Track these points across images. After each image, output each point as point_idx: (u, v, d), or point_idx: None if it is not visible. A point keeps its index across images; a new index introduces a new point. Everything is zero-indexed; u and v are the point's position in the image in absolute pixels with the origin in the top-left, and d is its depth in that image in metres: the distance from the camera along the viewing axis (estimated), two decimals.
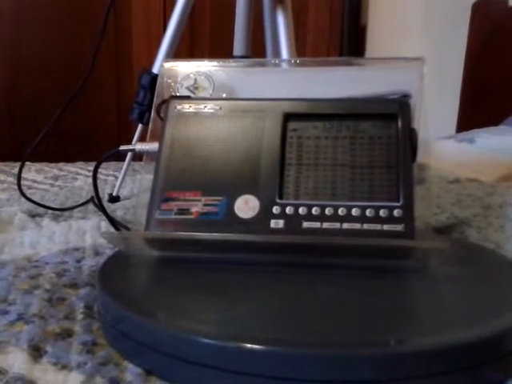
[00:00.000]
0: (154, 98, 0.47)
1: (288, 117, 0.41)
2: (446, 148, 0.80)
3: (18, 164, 0.89)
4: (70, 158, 1.35)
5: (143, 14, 1.41)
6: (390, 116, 0.39)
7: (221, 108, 0.42)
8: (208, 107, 0.42)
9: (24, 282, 0.39)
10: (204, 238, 0.37)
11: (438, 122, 1.38)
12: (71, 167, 0.89)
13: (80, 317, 0.35)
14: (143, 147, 0.44)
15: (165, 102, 0.44)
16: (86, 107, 1.40)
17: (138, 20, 1.42)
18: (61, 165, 0.91)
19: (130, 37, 1.42)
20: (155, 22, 1.41)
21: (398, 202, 0.37)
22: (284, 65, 0.51)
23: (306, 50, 1.63)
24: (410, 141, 0.39)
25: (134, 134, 0.70)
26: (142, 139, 0.71)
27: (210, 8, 1.39)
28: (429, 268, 0.36)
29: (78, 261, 0.47)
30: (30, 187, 0.74)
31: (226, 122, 0.41)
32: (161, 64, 0.67)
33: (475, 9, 1.16)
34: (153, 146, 0.43)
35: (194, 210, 0.38)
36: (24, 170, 0.83)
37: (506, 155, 0.74)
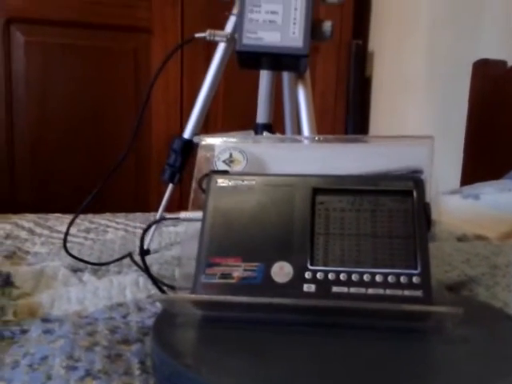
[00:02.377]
0: (195, 173, 0.53)
1: (316, 191, 0.46)
2: (453, 204, 0.86)
3: (50, 216, 0.95)
4: (96, 209, 1.42)
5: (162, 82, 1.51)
6: (407, 192, 0.45)
7: (256, 182, 0.48)
8: (244, 181, 0.48)
9: (84, 340, 0.44)
10: (245, 301, 0.42)
11: (443, 172, 1.45)
12: (100, 219, 0.95)
13: (137, 372, 0.40)
14: (187, 215, 0.50)
15: (206, 176, 0.49)
16: (104, 164, 1.48)
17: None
18: (90, 217, 0.97)
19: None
20: (173, 86, 1.51)
21: (416, 269, 0.42)
22: (308, 141, 0.57)
23: (315, 98, 1.71)
24: (424, 214, 0.45)
25: (164, 194, 0.76)
26: (170, 198, 0.77)
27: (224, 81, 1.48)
28: (444, 329, 0.41)
29: (124, 316, 0.52)
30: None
31: (260, 195, 0.47)
32: (192, 130, 0.74)
33: (475, 67, 1.24)
34: (196, 214, 0.49)
35: (235, 274, 0.44)
36: (57, 223, 0.89)
37: (509, 212, 0.79)
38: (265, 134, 0.73)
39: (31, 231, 0.83)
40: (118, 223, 0.91)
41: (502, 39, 1.23)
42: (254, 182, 0.47)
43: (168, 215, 0.52)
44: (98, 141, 1.50)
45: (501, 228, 0.78)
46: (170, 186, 0.76)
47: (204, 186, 0.50)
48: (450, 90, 1.38)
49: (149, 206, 1.54)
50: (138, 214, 1.01)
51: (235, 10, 0.64)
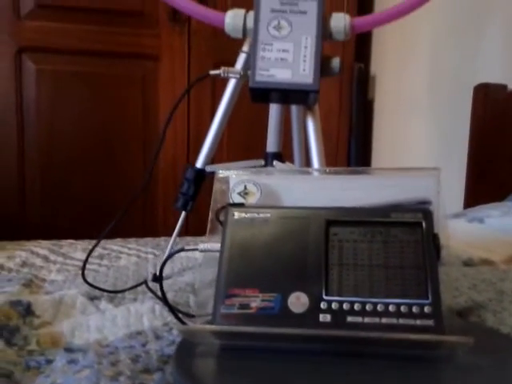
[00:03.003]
0: (211, 204, 0.55)
1: (329, 223, 0.48)
2: (458, 227, 0.88)
3: (63, 242, 0.97)
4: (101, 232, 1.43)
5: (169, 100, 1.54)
6: (416, 224, 0.47)
7: (271, 215, 0.50)
8: (260, 214, 0.50)
9: (108, 369, 0.46)
10: (263, 331, 0.44)
11: (447, 193, 1.47)
12: (112, 245, 0.96)
13: None
14: (206, 247, 0.52)
15: (223, 209, 0.52)
16: (112, 187, 1.51)
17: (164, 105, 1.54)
18: (102, 242, 0.99)
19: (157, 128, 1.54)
20: (180, 115, 1.54)
21: (428, 299, 0.44)
22: (319, 173, 0.60)
23: None
24: (434, 244, 0.47)
25: (177, 221, 0.78)
26: (186, 229, 0.79)
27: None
28: (455, 357, 0.43)
29: (144, 345, 0.53)
30: (80, 268, 0.81)
31: (276, 228, 0.49)
32: (204, 160, 0.76)
33: (476, 91, 1.27)
34: (214, 246, 0.51)
35: (253, 305, 0.46)
36: (71, 250, 0.91)
37: None
38: (275, 163, 0.75)
39: (46, 258, 0.85)
40: (129, 249, 0.93)
41: (503, 63, 1.27)
42: (269, 215, 0.50)
43: (187, 247, 0.54)
44: (106, 164, 1.53)
45: (506, 251, 0.80)
46: (183, 213, 0.78)
47: (221, 218, 0.52)
48: (452, 113, 1.41)
49: (156, 229, 1.56)
50: (149, 239, 1.03)
51: (245, 48, 0.67)
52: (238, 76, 0.63)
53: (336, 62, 0.62)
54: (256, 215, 0.50)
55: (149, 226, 1.58)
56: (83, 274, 0.68)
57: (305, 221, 0.49)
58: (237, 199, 0.54)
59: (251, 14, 0.63)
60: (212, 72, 0.63)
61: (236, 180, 0.56)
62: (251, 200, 0.55)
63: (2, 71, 1.42)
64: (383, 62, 1.80)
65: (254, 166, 0.77)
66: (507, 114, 1.18)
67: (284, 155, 0.79)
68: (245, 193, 0.55)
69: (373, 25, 0.63)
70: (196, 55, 1.52)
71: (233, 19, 0.63)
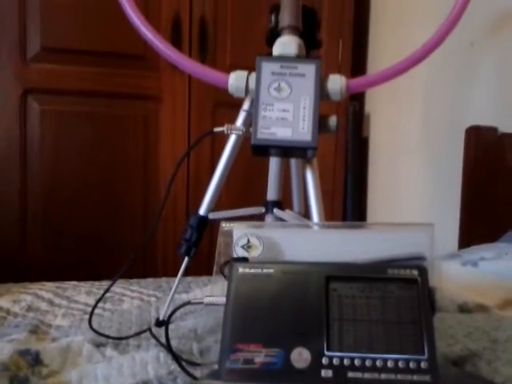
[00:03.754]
0: (216, 257, 0.57)
1: (329, 279, 0.51)
2: (453, 271, 0.90)
3: (67, 285, 0.99)
4: (106, 269, 1.46)
5: (170, 139, 1.58)
6: (412, 280, 0.50)
7: (274, 270, 0.52)
8: (264, 270, 0.53)
9: None
10: None
11: (441, 231, 1.50)
12: (115, 286, 0.98)
13: None
14: (211, 300, 0.54)
15: (228, 263, 0.54)
16: (113, 226, 1.54)
17: (165, 144, 1.58)
18: (104, 284, 1.01)
19: (157, 163, 1.58)
20: (180, 151, 1.59)
21: (424, 354, 0.46)
22: (319, 227, 0.63)
23: None
24: (429, 300, 0.50)
25: (180, 266, 0.81)
26: (186, 270, 0.81)
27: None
28: None
29: None
30: (85, 312, 0.83)
31: (278, 283, 0.51)
32: (206, 208, 0.79)
33: (468, 133, 1.31)
34: (219, 299, 0.53)
35: (257, 360, 0.48)
36: (75, 293, 0.93)
37: (507, 280, 0.84)
38: (275, 210, 0.78)
39: (51, 302, 0.87)
40: (132, 291, 0.95)
41: (493, 106, 1.31)
42: (272, 271, 0.52)
43: (193, 300, 0.56)
44: (107, 202, 1.55)
45: (500, 296, 0.82)
46: (186, 259, 0.80)
47: (226, 272, 0.54)
48: (445, 153, 1.45)
49: (156, 269, 1.58)
50: (150, 281, 1.04)
51: (245, 106, 0.71)
52: (240, 133, 0.66)
53: (333, 121, 0.66)
54: (259, 271, 0.52)
55: (149, 264, 1.59)
56: (90, 322, 0.70)
57: (306, 276, 0.51)
58: (240, 252, 0.57)
59: (253, 75, 0.67)
60: (216, 129, 0.67)
61: (239, 233, 0.59)
62: (254, 253, 0.57)
63: (8, 112, 1.45)
64: (377, 101, 1.86)
65: (255, 214, 0.80)
66: (498, 156, 1.22)
67: (283, 199, 0.82)
68: (248, 246, 0.58)
69: (366, 86, 0.67)
70: (196, 96, 1.57)
71: (236, 81, 0.67)
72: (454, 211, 1.37)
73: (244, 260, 0.54)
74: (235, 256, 0.57)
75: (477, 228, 1.27)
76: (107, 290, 0.72)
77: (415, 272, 0.50)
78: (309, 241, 0.58)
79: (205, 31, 1.58)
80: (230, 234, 0.59)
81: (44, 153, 1.49)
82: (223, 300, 0.52)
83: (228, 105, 1.59)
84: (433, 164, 1.51)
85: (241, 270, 0.53)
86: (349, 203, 1.80)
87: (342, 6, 1.74)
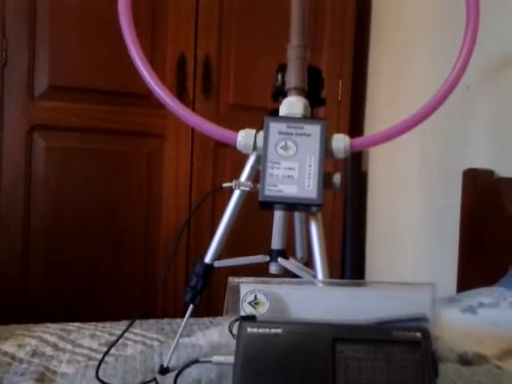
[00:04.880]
0: (223, 313, 0.59)
1: (336, 340, 0.52)
2: (452, 318, 0.92)
3: (71, 327, 1.00)
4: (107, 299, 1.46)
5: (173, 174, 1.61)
6: (416, 343, 0.51)
7: (281, 330, 0.54)
8: (271, 330, 0.54)
9: None
10: None
11: (440, 270, 1.52)
12: (118, 329, 0.99)
13: None
14: (220, 360, 0.55)
15: (236, 321, 0.56)
16: (115, 261, 1.55)
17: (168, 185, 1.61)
18: (108, 326, 1.01)
19: (160, 204, 1.60)
20: (183, 181, 1.61)
21: None
22: (324, 284, 0.64)
23: None
24: (432, 362, 0.51)
25: (185, 312, 0.82)
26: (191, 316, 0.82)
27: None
28: None
29: None
30: (89, 357, 0.84)
31: (287, 344, 0.53)
32: (212, 256, 0.81)
33: (465, 176, 1.34)
34: (227, 359, 0.55)
35: None
36: (79, 336, 0.94)
37: (506, 329, 0.85)
38: (279, 259, 0.80)
39: (56, 346, 0.88)
40: (135, 334, 0.96)
41: (489, 149, 1.35)
42: (279, 331, 0.54)
43: (202, 359, 0.57)
44: (110, 238, 1.57)
45: (499, 345, 0.84)
46: (191, 306, 0.81)
47: (234, 330, 0.56)
48: (443, 194, 1.48)
49: (155, 303, 1.58)
50: (152, 323, 1.05)
51: (251, 161, 0.73)
52: (248, 189, 0.69)
53: (337, 178, 0.69)
54: (267, 331, 0.54)
55: (150, 290, 1.60)
56: (97, 374, 0.71)
57: (313, 338, 0.53)
58: (248, 309, 0.59)
59: (261, 133, 0.69)
60: (225, 185, 0.69)
61: (246, 290, 0.60)
62: (261, 310, 0.59)
63: (14, 147, 1.48)
64: None
65: (260, 262, 0.81)
66: (495, 200, 1.24)
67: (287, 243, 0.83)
68: (255, 302, 0.59)
69: (369, 145, 0.70)
70: (199, 134, 1.60)
71: (244, 138, 0.70)
72: (452, 250, 1.39)
73: (252, 319, 0.56)
74: (243, 313, 0.58)
75: (475, 269, 1.29)
76: (117, 340, 0.72)
77: (419, 335, 0.52)
78: (314, 298, 0.60)
79: (209, 70, 1.62)
80: (237, 289, 0.61)
81: (48, 188, 1.51)
82: (231, 359, 0.53)
83: (229, 147, 1.64)
84: (431, 203, 1.53)
85: (249, 329, 0.54)
86: (348, 237, 1.82)
87: (342, 46, 1.79)
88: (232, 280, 0.61)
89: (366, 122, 1.95)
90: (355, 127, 1.92)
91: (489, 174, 1.29)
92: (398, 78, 1.77)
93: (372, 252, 1.88)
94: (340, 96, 1.81)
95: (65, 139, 1.52)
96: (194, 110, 1.60)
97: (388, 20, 1.83)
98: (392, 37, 1.80)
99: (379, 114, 1.87)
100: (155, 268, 1.59)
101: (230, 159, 1.63)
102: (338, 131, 1.83)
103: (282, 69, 0.73)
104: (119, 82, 1.53)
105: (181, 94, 1.58)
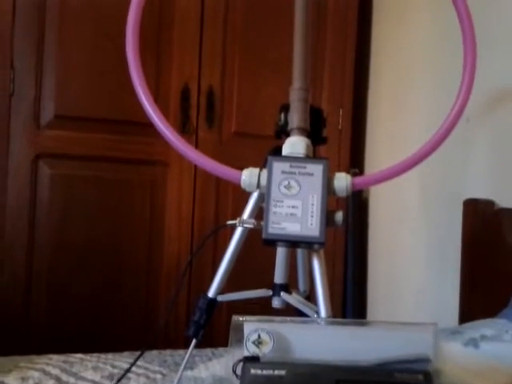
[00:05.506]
0: (227, 352, 0.59)
1: (339, 382, 0.53)
2: (454, 352, 0.92)
3: (73, 358, 1.00)
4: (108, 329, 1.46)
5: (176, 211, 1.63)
6: None
7: (285, 372, 0.54)
8: (275, 371, 0.55)
9: None
10: None
11: (441, 300, 1.52)
12: (121, 361, 0.99)
13: None
14: None
15: (239, 362, 0.56)
16: (116, 290, 1.56)
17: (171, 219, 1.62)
18: (110, 358, 1.01)
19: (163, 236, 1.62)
20: (185, 211, 1.62)
21: None
22: (327, 324, 0.65)
23: None
24: None
25: (188, 347, 0.82)
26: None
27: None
28: None
29: None
30: None
31: None
32: (215, 290, 0.82)
33: (466, 206, 1.35)
34: None
35: None
36: (82, 368, 0.94)
37: (508, 364, 0.85)
38: (282, 294, 0.81)
39: (58, 379, 0.88)
40: (138, 367, 0.96)
41: (490, 179, 1.36)
42: (283, 372, 0.54)
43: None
44: (112, 266, 1.58)
45: (501, 380, 0.84)
46: (194, 340, 0.82)
47: (238, 370, 0.56)
48: (444, 223, 1.49)
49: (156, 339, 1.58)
50: (155, 354, 1.05)
51: (252, 199, 0.74)
52: (251, 226, 0.70)
53: (339, 216, 0.70)
54: (271, 372, 0.54)
55: (152, 320, 1.60)
56: None
57: (317, 380, 0.53)
58: (251, 349, 0.59)
59: (264, 172, 0.71)
60: (229, 222, 0.70)
61: (250, 328, 0.61)
62: (265, 349, 0.59)
63: (20, 175, 1.50)
64: (377, 165, 1.91)
65: (263, 296, 0.82)
66: (496, 230, 1.25)
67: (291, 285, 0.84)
68: (259, 342, 0.60)
69: (370, 184, 0.71)
70: None
71: (249, 177, 0.71)
72: (454, 280, 1.39)
73: (256, 360, 0.57)
74: (246, 352, 0.59)
75: (477, 299, 1.29)
76: (125, 374, 0.73)
77: (421, 377, 0.52)
78: (317, 337, 0.60)
79: (212, 100, 1.65)
80: (240, 327, 0.61)
81: (52, 215, 1.53)
82: None
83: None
84: (432, 232, 1.54)
85: (253, 371, 0.55)
86: (349, 266, 1.82)
87: (342, 76, 1.82)
88: (236, 318, 0.62)
89: (366, 150, 1.97)
90: (356, 155, 1.94)
91: (489, 204, 1.30)
92: (398, 106, 1.79)
93: (374, 282, 1.88)
94: (341, 124, 1.83)
95: (69, 167, 1.54)
96: (197, 138, 1.63)
97: (388, 49, 1.87)
98: (392, 66, 1.83)
99: (380, 142, 1.89)
100: (157, 297, 1.60)
101: (233, 188, 1.64)
102: (339, 159, 1.86)
103: (285, 109, 0.75)
104: (123, 111, 1.56)
105: (184, 123, 1.61)
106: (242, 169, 1.75)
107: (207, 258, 1.56)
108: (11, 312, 1.51)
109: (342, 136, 1.84)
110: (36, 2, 1.51)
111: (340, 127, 1.84)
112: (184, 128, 1.60)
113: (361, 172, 1.94)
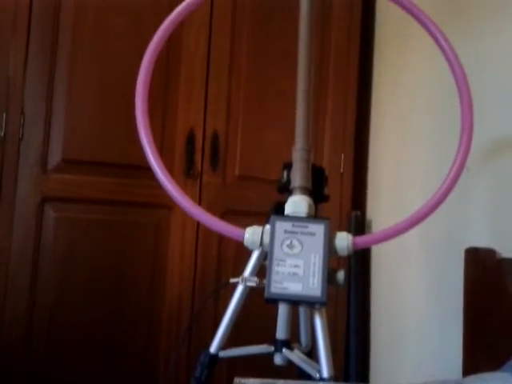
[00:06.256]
0: None
1: None
2: None
3: None
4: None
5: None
6: None
7: None
8: None
9: None
10: None
11: (444, 348, 1.50)
12: None
13: None
14: None
15: None
16: (118, 332, 1.55)
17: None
18: None
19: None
20: (188, 252, 1.63)
21: None
22: None
23: None
24: None
25: None
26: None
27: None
28: None
29: None
30: None
31: None
32: (217, 345, 0.82)
33: (467, 254, 1.36)
34: None
35: None
36: None
37: None
38: (284, 350, 0.81)
39: None
40: None
41: (490, 228, 1.37)
42: None
43: None
44: (113, 309, 1.58)
45: None
46: None
47: None
48: (446, 270, 1.49)
49: (157, 370, 1.57)
50: None
51: (254, 257, 0.75)
52: (254, 285, 0.71)
53: (341, 275, 0.71)
54: None
55: (151, 364, 1.58)
56: None
57: None
58: None
59: (267, 230, 0.72)
60: (232, 280, 0.71)
61: None
62: None
63: (25, 218, 1.52)
64: (378, 209, 1.93)
65: (265, 352, 0.82)
66: (497, 280, 1.25)
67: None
68: None
69: (370, 243, 0.73)
70: (205, 205, 1.64)
71: (252, 235, 0.73)
72: (456, 331, 1.38)
73: None
74: None
75: (480, 351, 1.28)
76: None
77: None
78: None
79: (216, 144, 1.68)
80: None
81: (56, 258, 1.54)
82: None
83: (235, 213, 1.68)
84: (434, 281, 1.54)
85: None
86: (352, 311, 1.81)
87: (344, 122, 1.86)
88: (238, 381, 0.62)
89: (368, 192, 1.99)
90: (358, 197, 1.96)
91: (490, 253, 1.31)
92: (399, 150, 1.82)
93: (376, 333, 1.85)
94: (342, 168, 1.86)
95: (74, 210, 1.56)
96: (201, 182, 1.65)
97: (388, 95, 1.91)
98: (393, 110, 1.87)
99: (381, 185, 1.91)
100: (158, 343, 1.59)
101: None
102: (341, 201, 1.87)
103: (288, 167, 0.77)
104: (129, 155, 1.59)
105: (189, 168, 1.64)
106: (245, 212, 1.76)
107: (209, 311, 1.55)
108: (12, 354, 1.50)
109: (343, 179, 1.86)
110: (47, 49, 1.56)
111: (342, 170, 1.86)
112: (189, 172, 1.63)
113: (362, 215, 1.95)
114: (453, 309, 1.41)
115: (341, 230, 1.89)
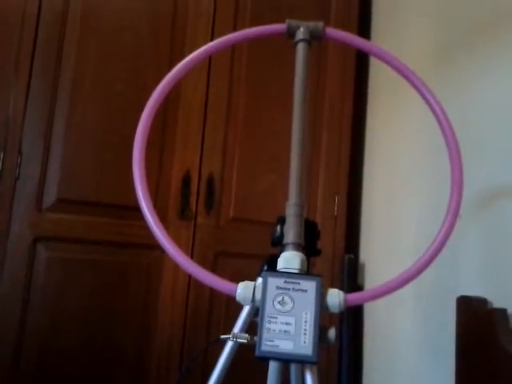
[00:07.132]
0: None
1: None
2: None
3: None
4: None
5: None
6: None
7: None
8: None
9: None
10: None
11: None
12: None
13: None
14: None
15: None
16: (107, 375, 1.52)
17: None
18: None
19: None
20: (180, 291, 1.62)
21: None
22: None
23: None
24: None
25: None
26: None
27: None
28: None
29: None
30: None
31: None
32: None
33: (459, 302, 1.36)
34: None
35: None
36: None
37: None
38: None
39: None
40: None
41: (482, 277, 1.38)
42: None
43: None
44: (103, 350, 1.55)
45: None
46: None
47: None
48: (438, 320, 1.49)
49: None
50: None
51: (244, 313, 0.75)
52: (245, 341, 0.71)
53: (332, 333, 0.71)
54: None
55: None
56: None
57: None
58: None
59: (259, 286, 0.73)
60: (223, 336, 0.71)
61: None
62: None
63: (16, 258, 1.51)
64: (372, 252, 1.94)
65: None
66: (489, 330, 1.25)
67: None
68: None
69: (362, 301, 0.73)
70: (199, 246, 1.65)
71: (244, 290, 0.73)
72: (449, 378, 1.37)
73: None
74: None
75: None
76: None
77: None
78: None
79: (212, 187, 1.70)
80: None
81: (46, 298, 1.53)
82: None
83: (227, 255, 1.68)
84: (427, 328, 1.53)
85: None
86: (344, 364, 1.79)
87: (338, 165, 1.89)
88: None
89: (361, 236, 2.00)
90: (351, 241, 1.97)
91: (482, 302, 1.31)
92: (391, 195, 1.84)
93: (369, 368, 1.84)
94: (336, 211, 1.88)
95: (66, 250, 1.56)
96: (195, 224, 1.66)
97: (381, 141, 1.95)
98: (385, 156, 1.90)
99: (374, 229, 1.92)
100: (147, 368, 1.56)
101: (230, 269, 1.66)
102: (334, 244, 1.87)
103: (281, 221, 0.78)
104: (122, 195, 1.60)
105: (184, 209, 1.64)
106: (238, 254, 1.75)
107: (197, 364, 1.53)
108: None
109: (337, 222, 1.87)
110: (48, 90, 1.59)
111: (335, 213, 1.88)
112: (183, 214, 1.64)
113: (355, 258, 1.96)
114: (445, 357, 1.41)
115: (334, 272, 1.90)
